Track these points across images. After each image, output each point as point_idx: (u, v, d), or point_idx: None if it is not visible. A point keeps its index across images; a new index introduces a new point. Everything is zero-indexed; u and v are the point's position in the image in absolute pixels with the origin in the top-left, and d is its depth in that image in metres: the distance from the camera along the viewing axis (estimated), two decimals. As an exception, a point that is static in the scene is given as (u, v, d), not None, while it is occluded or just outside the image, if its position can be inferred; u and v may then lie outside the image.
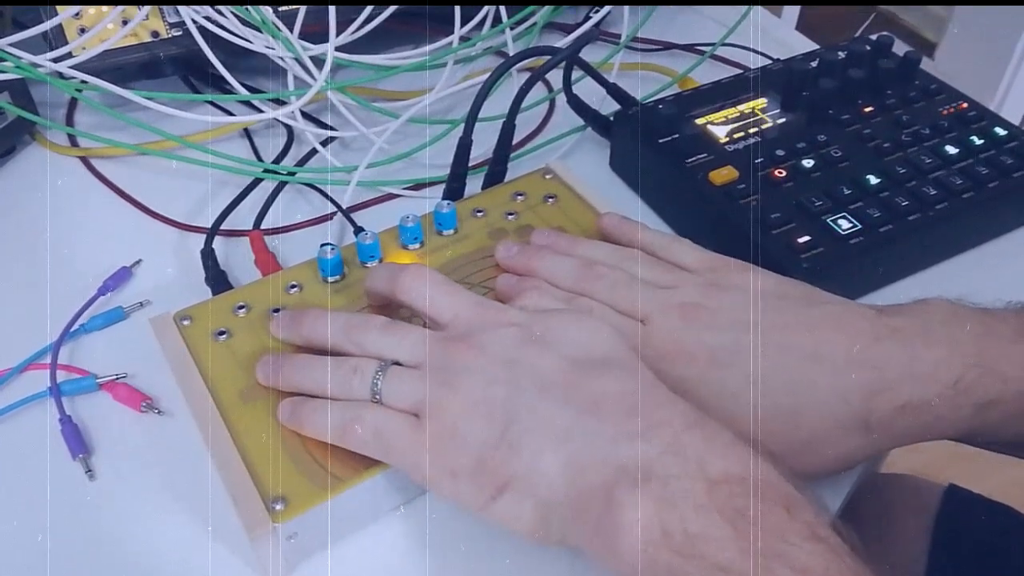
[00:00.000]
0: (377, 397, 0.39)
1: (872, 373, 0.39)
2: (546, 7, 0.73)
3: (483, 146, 0.60)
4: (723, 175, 0.56)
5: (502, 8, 0.71)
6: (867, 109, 0.61)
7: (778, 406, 0.40)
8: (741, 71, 0.68)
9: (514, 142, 0.58)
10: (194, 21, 0.61)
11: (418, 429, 0.38)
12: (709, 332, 0.42)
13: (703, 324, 0.42)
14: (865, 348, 0.40)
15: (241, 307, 0.48)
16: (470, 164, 0.57)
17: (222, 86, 0.68)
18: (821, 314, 0.42)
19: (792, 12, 1.75)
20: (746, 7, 0.77)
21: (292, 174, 0.62)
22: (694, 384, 0.41)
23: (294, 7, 0.64)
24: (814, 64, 0.64)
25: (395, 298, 0.44)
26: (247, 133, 0.67)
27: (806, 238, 0.52)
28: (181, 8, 0.61)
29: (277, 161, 0.64)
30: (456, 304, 0.42)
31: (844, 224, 0.53)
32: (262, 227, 0.58)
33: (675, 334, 0.42)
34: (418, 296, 0.43)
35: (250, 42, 0.62)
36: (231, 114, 0.68)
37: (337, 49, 0.63)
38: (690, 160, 0.57)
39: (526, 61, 0.60)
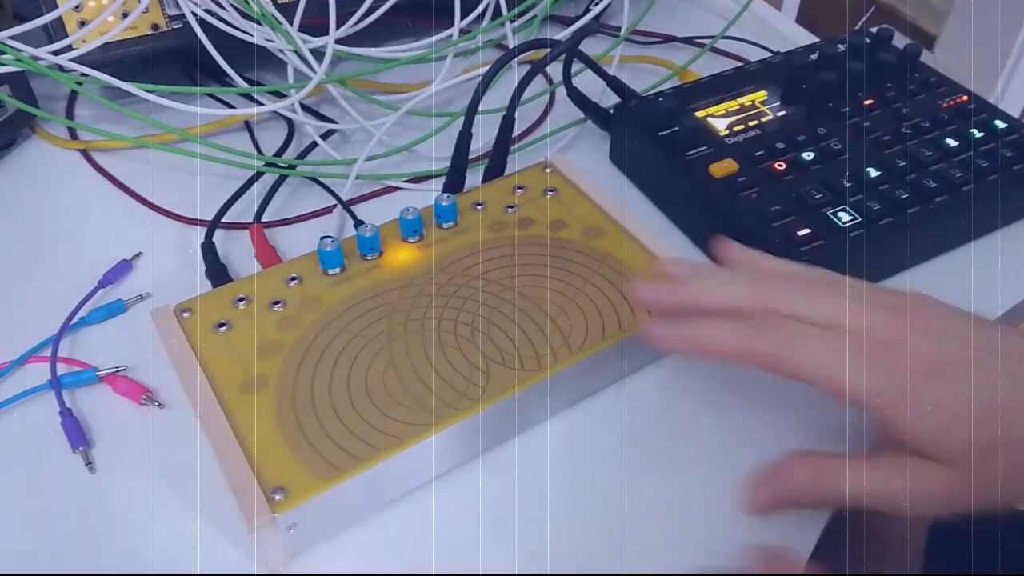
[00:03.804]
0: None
1: None
2: (546, 0, 0.73)
3: (483, 139, 0.60)
4: (723, 168, 0.56)
5: (502, 1, 0.71)
6: (867, 102, 0.61)
7: (1007, 436, 0.37)
8: (741, 64, 0.68)
9: (514, 135, 0.58)
10: (194, 14, 0.61)
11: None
12: (927, 341, 0.39)
13: (926, 333, 0.39)
14: None
15: (241, 299, 0.48)
16: (470, 157, 0.57)
17: (222, 79, 0.68)
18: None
19: (792, 4, 1.75)
20: None
21: (292, 167, 0.62)
22: (920, 398, 0.38)
23: None
24: (814, 57, 0.64)
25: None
26: (247, 126, 0.68)
27: (806, 231, 0.52)
28: (181, 1, 0.61)
29: (278, 154, 0.64)
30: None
31: (844, 217, 0.53)
32: (262, 220, 0.58)
33: (896, 341, 0.39)
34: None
35: (250, 35, 0.62)
36: (231, 107, 0.68)
37: (337, 42, 0.63)
38: (690, 153, 0.57)
39: (526, 54, 0.60)
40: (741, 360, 0.41)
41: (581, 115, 0.66)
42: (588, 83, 0.64)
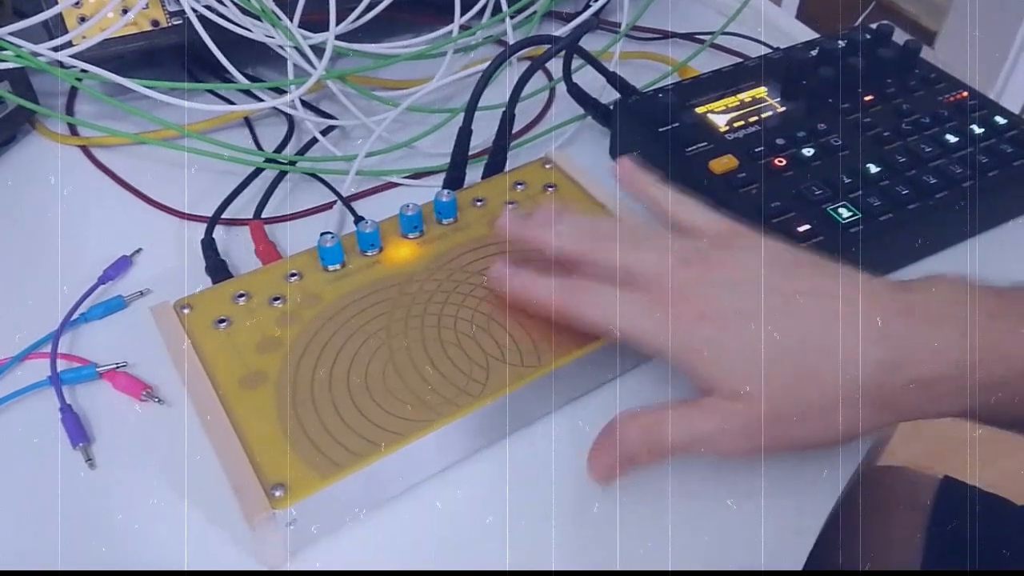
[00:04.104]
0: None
1: (885, 349, 0.39)
2: (546, -4, 0.73)
3: (483, 135, 0.60)
4: (723, 164, 0.56)
5: (502, -3, 0.71)
6: (867, 98, 0.61)
7: (796, 369, 0.40)
8: (741, 60, 0.68)
9: (514, 131, 0.58)
10: (194, 10, 0.61)
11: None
12: (720, 289, 0.42)
13: (715, 280, 0.42)
14: (883, 322, 0.40)
15: (241, 295, 0.48)
16: (470, 153, 0.57)
17: (222, 75, 0.68)
18: (836, 284, 0.42)
19: (792, 0, 1.75)
20: (746, -4, 0.77)
21: (292, 163, 0.62)
22: (704, 342, 0.41)
23: (294, -4, 0.64)
24: (814, 53, 0.64)
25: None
26: (248, 122, 0.67)
27: (806, 227, 0.52)
28: (180, -3, 0.61)
29: (278, 150, 0.64)
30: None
31: (844, 213, 0.53)
32: (262, 216, 0.58)
33: (684, 291, 0.42)
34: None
35: (250, 31, 0.62)
36: (231, 103, 0.68)
37: (337, 38, 0.63)
38: (690, 149, 0.57)
39: (526, 50, 0.60)
40: (548, 311, 0.44)
41: (581, 111, 0.66)
42: (588, 79, 0.64)
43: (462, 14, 0.69)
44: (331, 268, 0.49)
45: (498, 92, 0.59)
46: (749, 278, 0.42)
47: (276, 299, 0.47)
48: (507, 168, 0.58)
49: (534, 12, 0.73)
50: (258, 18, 0.62)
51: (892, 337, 0.40)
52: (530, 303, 0.46)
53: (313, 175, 0.62)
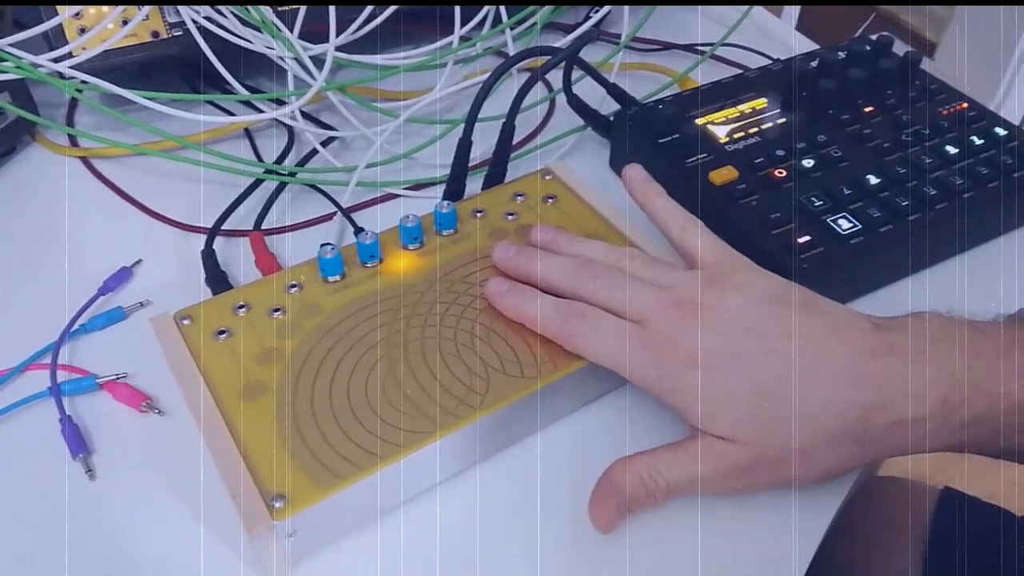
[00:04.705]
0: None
1: (869, 390, 0.40)
2: (546, 7, 0.73)
3: (483, 146, 0.60)
4: (723, 175, 0.56)
5: (502, 8, 0.71)
6: (867, 109, 0.61)
7: (778, 414, 0.40)
8: (741, 71, 0.68)
9: (514, 142, 0.58)
10: (194, 21, 0.61)
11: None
12: (709, 333, 0.42)
13: (703, 324, 0.42)
14: (864, 364, 0.41)
15: (241, 307, 0.48)
16: (470, 164, 0.57)
17: (222, 86, 0.68)
18: (822, 325, 0.42)
19: (792, 12, 1.74)
20: (746, 7, 0.77)
21: (292, 174, 0.62)
22: (694, 386, 0.41)
23: (294, 7, 0.64)
24: (814, 64, 0.64)
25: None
26: (248, 133, 0.68)
27: (806, 238, 0.52)
28: (181, 8, 0.61)
29: (278, 162, 0.64)
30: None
31: (844, 224, 0.53)
32: (262, 227, 0.58)
33: (674, 334, 0.42)
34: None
35: (250, 42, 0.62)
36: (232, 114, 0.68)
37: (337, 49, 0.63)
38: (690, 160, 0.58)
39: (526, 61, 0.60)
40: (545, 334, 0.46)
41: (581, 122, 0.66)
42: (588, 90, 0.64)
43: (462, 25, 0.69)
44: (331, 279, 0.49)
45: (498, 103, 0.59)
46: (738, 322, 0.42)
47: (276, 310, 0.47)
48: (507, 179, 0.58)
49: (534, 23, 0.73)
50: (258, 29, 0.62)
51: (874, 378, 0.40)
52: (528, 324, 0.46)
53: (313, 186, 0.62)
